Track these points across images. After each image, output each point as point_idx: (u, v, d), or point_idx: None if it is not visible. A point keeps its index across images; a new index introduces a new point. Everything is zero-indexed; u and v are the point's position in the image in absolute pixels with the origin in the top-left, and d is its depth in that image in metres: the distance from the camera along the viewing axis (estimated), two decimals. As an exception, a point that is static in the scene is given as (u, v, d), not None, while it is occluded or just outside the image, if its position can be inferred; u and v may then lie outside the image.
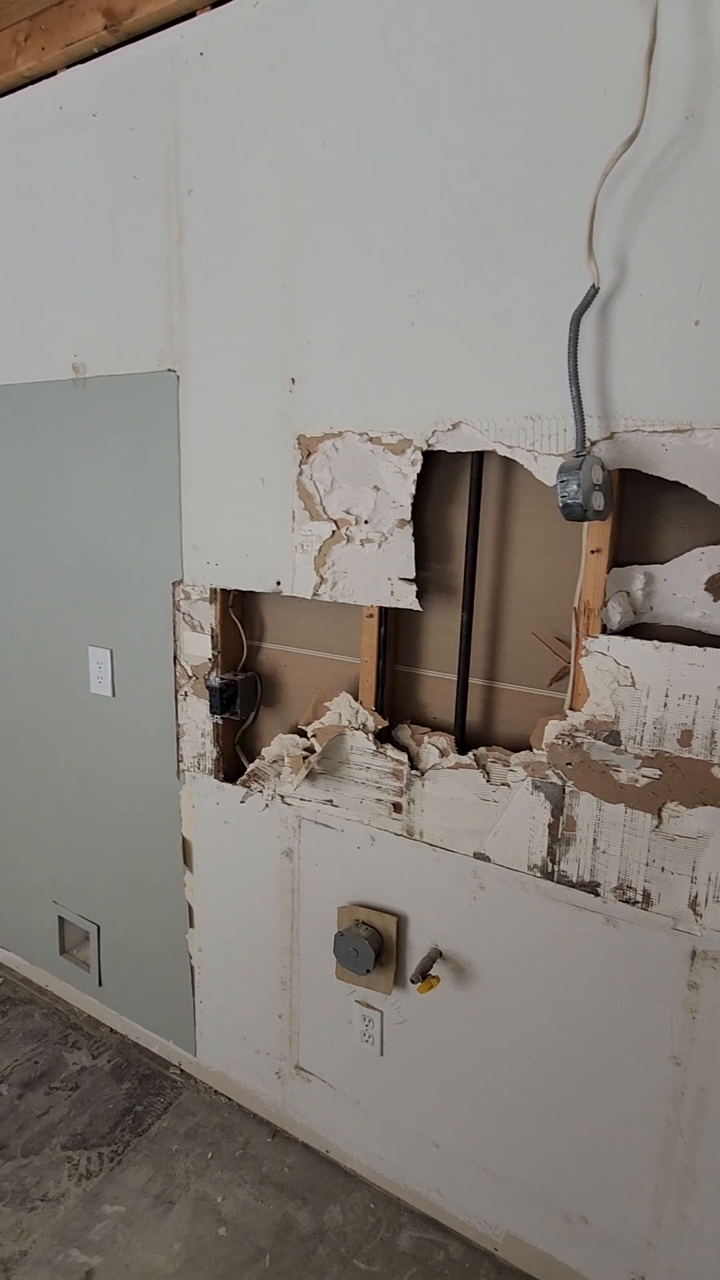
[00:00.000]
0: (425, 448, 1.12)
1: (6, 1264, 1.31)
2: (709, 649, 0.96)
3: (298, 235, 1.16)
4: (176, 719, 1.52)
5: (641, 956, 1.08)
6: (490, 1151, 1.30)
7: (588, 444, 0.97)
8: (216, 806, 1.51)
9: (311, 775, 1.34)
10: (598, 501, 0.94)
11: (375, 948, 1.29)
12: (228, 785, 1.48)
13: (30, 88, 1.42)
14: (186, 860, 1.59)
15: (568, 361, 0.95)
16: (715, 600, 0.97)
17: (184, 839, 1.58)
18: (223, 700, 1.41)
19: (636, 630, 1.05)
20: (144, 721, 1.59)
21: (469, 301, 1.05)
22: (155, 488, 1.44)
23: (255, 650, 1.47)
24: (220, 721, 1.44)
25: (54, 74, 1.38)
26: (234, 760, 1.52)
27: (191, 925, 1.62)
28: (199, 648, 1.45)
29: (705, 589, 0.98)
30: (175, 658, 1.49)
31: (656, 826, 1.04)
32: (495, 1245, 1.32)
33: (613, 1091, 1.14)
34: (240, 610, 1.45)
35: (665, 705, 1.00)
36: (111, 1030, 1.86)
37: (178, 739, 1.53)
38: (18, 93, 1.44)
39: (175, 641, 1.48)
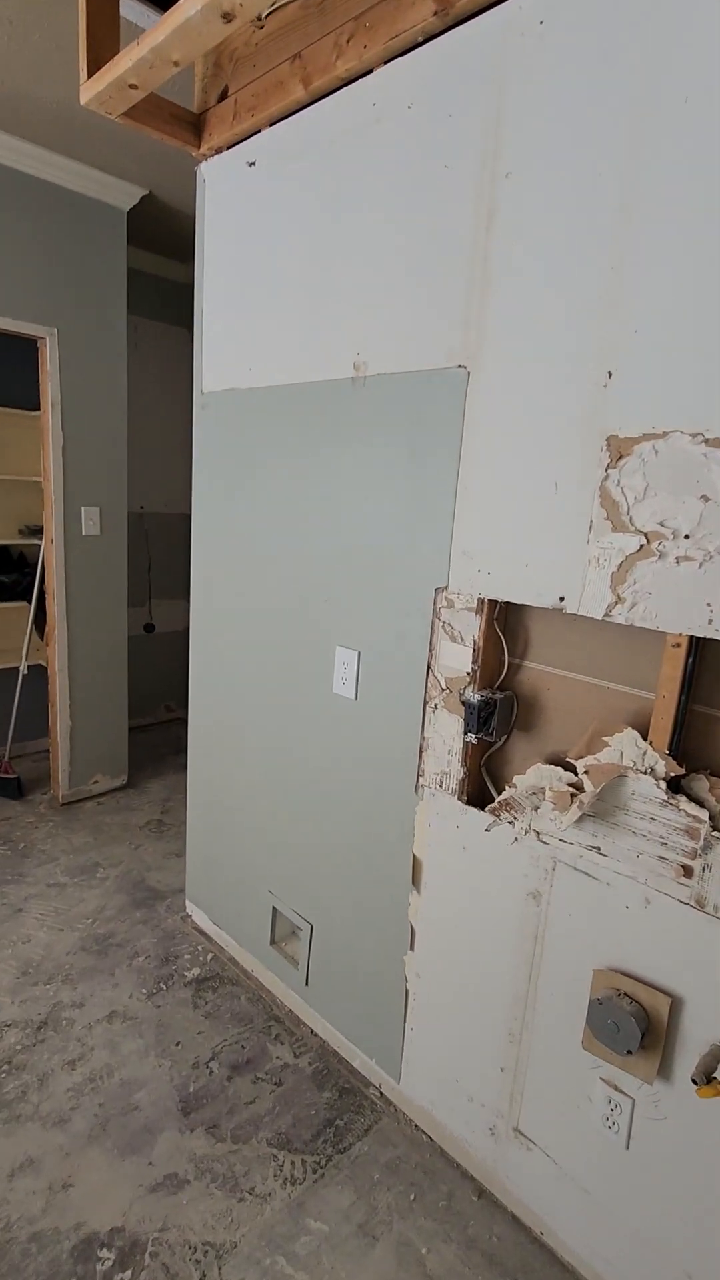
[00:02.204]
0: (784, 451, 0.93)
1: (219, 1250, 1.32)
2: None
3: (638, 207, 1.03)
4: (422, 732, 1.46)
5: None
6: (767, 1308, 1.06)
7: None
8: (456, 830, 1.42)
9: (580, 816, 1.20)
10: None
11: (641, 1027, 1.11)
12: (471, 809, 1.38)
13: (343, 90, 1.43)
14: (415, 880, 1.52)
15: None
16: None
17: (414, 857, 1.51)
18: (480, 719, 1.31)
19: None
20: (384, 729, 1.54)
21: None
22: (428, 488, 1.38)
23: (515, 668, 1.35)
24: (474, 741, 1.34)
25: (370, 72, 1.38)
26: (478, 783, 1.42)
27: (411, 948, 1.55)
28: (457, 660, 1.37)
29: None
30: (429, 668, 1.43)
31: None
32: None
33: None
34: (503, 623, 1.34)
35: None
36: (312, 1032, 1.86)
37: (420, 752, 1.47)
38: (330, 97, 1.46)
39: (431, 651, 1.42)
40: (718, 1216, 1.10)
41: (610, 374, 1.09)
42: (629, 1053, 1.12)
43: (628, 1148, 1.21)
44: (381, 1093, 1.68)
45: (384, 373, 1.43)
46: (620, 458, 1.09)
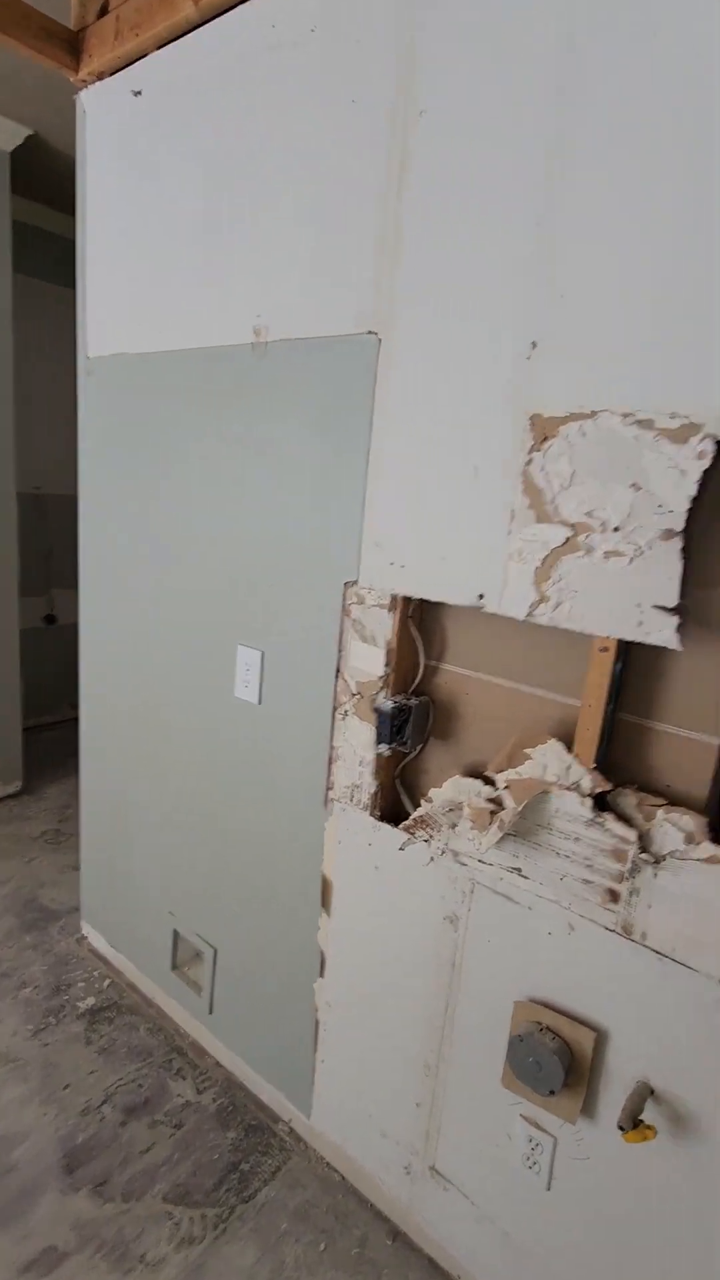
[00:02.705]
0: (721, 436, 0.83)
1: (98, 1341, 1.16)
2: None
3: (568, 151, 0.91)
4: (331, 741, 1.32)
5: None
6: None
7: None
8: (368, 848, 1.29)
9: (500, 837, 1.09)
10: None
11: (565, 1065, 1.02)
12: (384, 826, 1.26)
13: (239, 8, 1.25)
14: (324, 902, 1.38)
15: None
16: None
17: (324, 877, 1.38)
18: (393, 727, 1.19)
19: None
20: (291, 738, 1.40)
21: None
22: (336, 471, 1.23)
23: (431, 671, 1.23)
24: (386, 752, 1.21)
25: (269, -13, 1.20)
26: (392, 797, 1.29)
27: (322, 974, 1.42)
28: (369, 662, 1.24)
29: None
30: (338, 670, 1.29)
31: None
32: None
33: None
34: (419, 622, 1.22)
35: None
36: (217, 1063, 1.70)
37: (329, 763, 1.33)
38: (224, 16, 1.27)
39: (340, 652, 1.28)
40: (640, 1262, 1.03)
41: (534, 344, 0.97)
42: (551, 1093, 1.03)
43: (549, 1188, 1.12)
44: (291, 1128, 1.55)
45: (288, 338, 1.27)
46: (545, 440, 0.97)
